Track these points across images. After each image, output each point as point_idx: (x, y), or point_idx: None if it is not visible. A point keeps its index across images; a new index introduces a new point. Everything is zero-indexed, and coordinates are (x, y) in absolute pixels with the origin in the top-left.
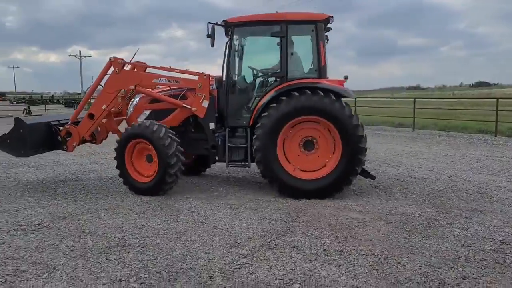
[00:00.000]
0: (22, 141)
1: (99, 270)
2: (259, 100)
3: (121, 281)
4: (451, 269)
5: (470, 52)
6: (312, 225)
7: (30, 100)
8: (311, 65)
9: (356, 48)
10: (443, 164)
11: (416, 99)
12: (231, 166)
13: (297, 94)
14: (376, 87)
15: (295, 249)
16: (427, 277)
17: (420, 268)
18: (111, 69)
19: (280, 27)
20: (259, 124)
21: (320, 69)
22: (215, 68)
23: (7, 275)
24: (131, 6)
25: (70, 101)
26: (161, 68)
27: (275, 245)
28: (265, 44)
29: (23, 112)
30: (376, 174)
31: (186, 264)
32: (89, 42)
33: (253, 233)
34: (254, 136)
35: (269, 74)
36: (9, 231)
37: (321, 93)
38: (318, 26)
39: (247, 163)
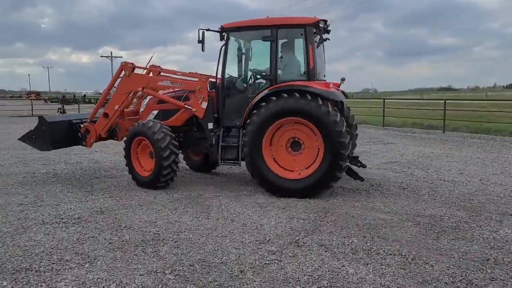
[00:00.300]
0: (44, 137)
1: (136, 262)
2: (251, 102)
3: (157, 272)
4: (480, 271)
5: (504, 53)
6: (339, 224)
7: (64, 99)
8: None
9: (384, 48)
10: (474, 167)
11: (447, 101)
12: (223, 164)
13: (284, 96)
14: (405, 88)
15: (323, 247)
16: (455, 277)
17: (448, 269)
18: (123, 73)
19: (270, 31)
20: (248, 122)
21: (309, 72)
22: None
23: (53, 263)
24: (160, 7)
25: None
26: (167, 71)
27: (303, 243)
28: (258, 48)
29: (58, 111)
30: (405, 176)
31: (218, 259)
32: (119, 43)
33: (282, 231)
34: (243, 134)
35: (259, 77)
36: (52, 223)
37: (298, 95)
38: (307, 30)
39: (237, 161)
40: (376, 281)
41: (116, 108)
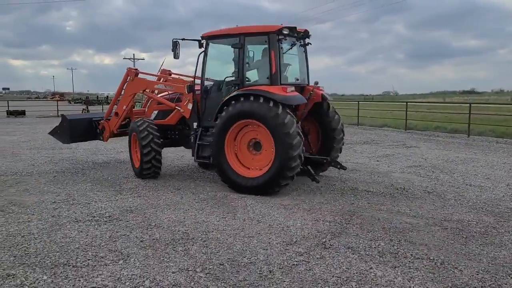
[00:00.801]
0: (65, 132)
1: (168, 260)
2: None
3: (189, 270)
4: (509, 276)
5: None
6: (366, 227)
7: (87, 100)
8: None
9: (405, 51)
10: (500, 172)
11: (472, 104)
12: (196, 161)
13: (241, 99)
14: (427, 91)
15: (350, 250)
16: (485, 282)
17: (478, 274)
18: (129, 77)
19: (239, 39)
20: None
21: (271, 76)
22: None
23: (89, 259)
24: (181, 9)
25: None
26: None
27: (330, 245)
28: (231, 55)
29: (82, 112)
30: (429, 180)
31: (247, 259)
32: (141, 45)
33: (308, 233)
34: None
35: (229, 81)
36: (85, 221)
37: (252, 99)
38: (270, 37)
39: (210, 160)
40: (405, 285)
41: (124, 108)
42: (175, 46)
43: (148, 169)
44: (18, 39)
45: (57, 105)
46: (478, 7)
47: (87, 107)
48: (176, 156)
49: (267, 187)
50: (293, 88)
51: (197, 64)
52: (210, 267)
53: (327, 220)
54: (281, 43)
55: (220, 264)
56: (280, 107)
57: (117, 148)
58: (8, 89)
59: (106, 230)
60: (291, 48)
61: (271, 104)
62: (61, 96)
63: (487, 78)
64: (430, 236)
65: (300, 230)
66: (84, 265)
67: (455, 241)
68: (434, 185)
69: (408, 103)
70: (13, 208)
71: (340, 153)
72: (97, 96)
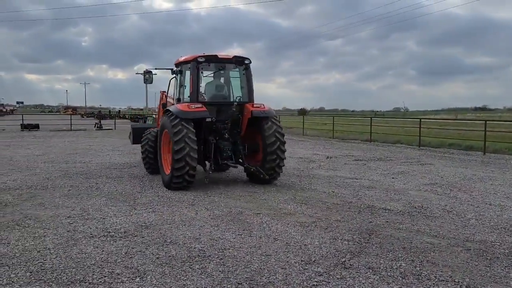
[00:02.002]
0: (131, 137)
1: (185, 278)
2: None
3: None
4: None
5: None
6: (385, 247)
7: (99, 114)
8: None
9: (417, 67)
10: None
11: (487, 122)
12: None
13: (165, 113)
14: (438, 107)
15: (370, 270)
16: None
17: None
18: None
19: (180, 66)
20: None
21: (190, 96)
22: (271, 85)
23: (105, 276)
24: (195, 26)
25: (136, 117)
26: None
27: (350, 265)
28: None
29: (95, 126)
30: (448, 198)
31: (265, 278)
32: (154, 61)
33: (327, 252)
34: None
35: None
36: (100, 236)
37: (168, 113)
38: (191, 64)
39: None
40: None
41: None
42: (148, 74)
43: (145, 165)
44: (34, 54)
45: (71, 119)
46: (491, 24)
47: (100, 121)
48: None
49: (168, 184)
50: (199, 105)
51: (168, 86)
52: (228, 286)
53: (346, 238)
54: (201, 69)
55: (238, 283)
56: (177, 120)
57: (130, 163)
58: (22, 103)
59: (122, 246)
60: (217, 71)
61: (172, 117)
62: (74, 110)
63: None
64: (453, 257)
65: (318, 249)
66: (100, 282)
67: (479, 263)
68: (453, 204)
69: (421, 120)
70: (29, 222)
71: (276, 162)
72: (109, 111)
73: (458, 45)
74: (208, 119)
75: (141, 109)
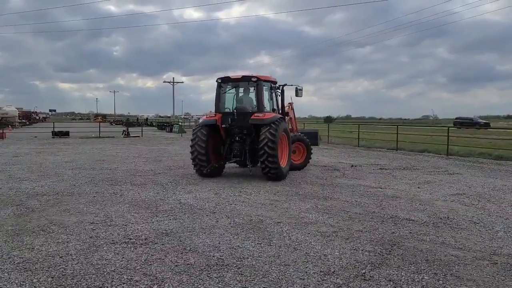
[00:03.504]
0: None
1: (202, 287)
2: None
3: None
4: None
5: None
6: (408, 259)
7: (127, 122)
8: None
9: (448, 75)
10: None
11: None
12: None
13: None
14: (470, 115)
15: (391, 283)
16: None
17: None
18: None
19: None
20: None
21: (215, 108)
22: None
23: (124, 283)
24: (224, 34)
25: (162, 124)
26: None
27: (370, 276)
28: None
29: (123, 134)
30: (475, 210)
31: None
32: (183, 69)
33: (347, 263)
34: None
35: None
36: (121, 243)
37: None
38: (217, 83)
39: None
40: None
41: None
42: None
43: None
44: (68, 64)
45: (99, 127)
46: None
47: (127, 129)
48: (210, 179)
49: None
50: (213, 115)
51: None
52: None
53: (367, 249)
54: (221, 87)
55: None
56: (196, 128)
57: (154, 170)
58: (55, 110)
59: (142, 253)
60: (232, 88)
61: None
62: (103, 118)
63: None
64: (478, 271)
65: (338, 260)
66: None
67: (506, 278)
68: (481, 215)
69: (449, 128)
70: (53, 228)
71: (264, 157)
72: (137, 118)
73: (491, 51)
74: (224, 125)
75: (169, 117)
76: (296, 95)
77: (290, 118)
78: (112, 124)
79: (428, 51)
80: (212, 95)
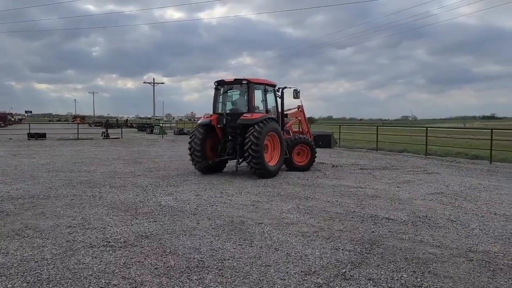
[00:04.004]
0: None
1: None
2: None
3: None
4: None
5: None
6: (387, 258)
7: (107, 123)
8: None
9: (426, 76)
10: None
11: (494, 130)
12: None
13: None
14: (446, 116)
15: (371, 282)
16: None
17: None
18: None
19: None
20: None
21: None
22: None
23: (101, 287)
24: (206, 35)
25: (143, 125)
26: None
27: (350, 276)
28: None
29: (102, 135)
30: (452, 208)
31: None
32: (164, 70)
33: (327, 262)
34: None
35: None
36: (99, 246)
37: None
38: (215, 86)
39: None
40: None
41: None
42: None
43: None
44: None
45: (78, 128)
46: (501, 33)
47: (107, 130)
48: (195, 178)
49: None
50: (208, 115)
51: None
52: None
53: (347, 249)
54: (218, 89)
55: None
56: (198, 126)
57: (134, 172)
58: (31, 112)
59: (121, 256)
60: (228, 90)
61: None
62: (82, 119)
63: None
64: (455, 268)
65: (319, 260)
66: None
67: (482, 274)
68: (458, 214)
69: (428, 128)
70: (28, 232)
71: (249, 158)
72: (117, 119)
73: (467, 54)
74: (219, 125)
75: (149, 118)
76: (294, 97)
77: (300, 120)
78: (91, 126)
79: (407, 53)
80: (194, 95)
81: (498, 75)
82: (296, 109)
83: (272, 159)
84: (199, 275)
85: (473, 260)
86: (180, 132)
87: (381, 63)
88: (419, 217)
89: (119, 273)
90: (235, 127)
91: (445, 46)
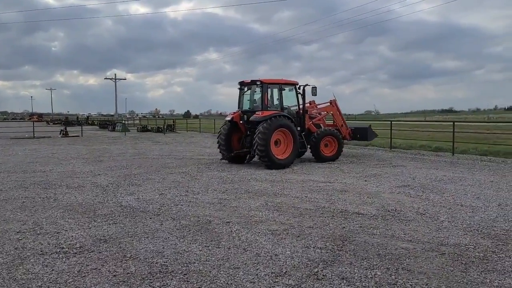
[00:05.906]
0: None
1: None
2: None
3: None
4: None
5: (506, 76)
6: (360, 254)
7: (66, 121)
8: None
9: (389, 72)
10: (489, 191)
11: (455, 123)
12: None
13: None
14: (408, 110)
15: (344, 281)
16: None
17: None
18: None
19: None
20: None
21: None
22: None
23: None
24: (171, 30)
25: (104, 123)
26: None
27: (323, 275)
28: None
29: (60, 133)
30: (420, 201)
31: None
32: (128, 66)
33: (299, 262)
34: None
35: None
36: (52, 253)
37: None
38: (239, 86)
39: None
40: None
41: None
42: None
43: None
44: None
45: (33, 126)
46: (459, 30)
47: (65, 128)
48: (158, 176)
49: None
50: (233, 112)
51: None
52: None
53: (318, 246)
54: (241, 89)
55: None
56: (225, 122)
57: (94, 171)
58: None
59: (75, 263)
60: (247, 90)
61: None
62: (39, 117)
63: (464, 97)
64: (428, 263)
65: (290, 259)
66: None
67: (455, 268)
68: (426, 206)
69: (392, 122)
70: None
71: (254, 150)
72: (77, 117)
73: (428, 49)
74: (241, 121)
75: (112, 115)
76: (313, 94)
77: (332, 114)
78: (49, 124)
79: (371, 48)
80: (159, 92)
81: (456, 70)
82: (328, 104)
83: (284, 152)
84: (162, 281)
85: (445, 254)
86: (144, 129)
87: (346, 59)
88: (389, 210)
89: (72, 282)
90: (252, 122)
91: (407, 42)
